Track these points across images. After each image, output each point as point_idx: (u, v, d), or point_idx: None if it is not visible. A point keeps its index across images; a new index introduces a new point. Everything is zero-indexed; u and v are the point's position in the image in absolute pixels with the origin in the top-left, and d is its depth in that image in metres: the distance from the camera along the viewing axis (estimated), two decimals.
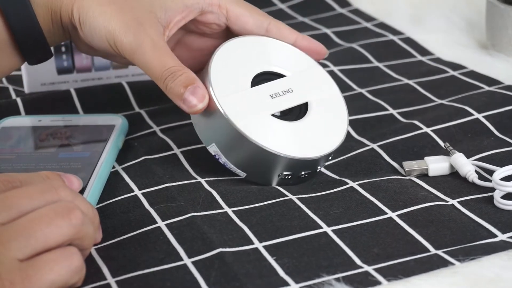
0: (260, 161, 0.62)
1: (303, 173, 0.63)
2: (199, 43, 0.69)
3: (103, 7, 0.63)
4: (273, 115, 0.63)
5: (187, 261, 0.54)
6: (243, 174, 0.63)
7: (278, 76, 0.66)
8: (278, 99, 0.64)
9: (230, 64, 0.64)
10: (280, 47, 0.68)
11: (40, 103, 0.77)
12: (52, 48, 0.78)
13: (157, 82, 0.62)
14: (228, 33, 0.69)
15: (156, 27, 0.63)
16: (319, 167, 0.64)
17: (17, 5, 0.63)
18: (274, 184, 0.63)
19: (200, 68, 0.69)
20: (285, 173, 0.62)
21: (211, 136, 0.63)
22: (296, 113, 0.64)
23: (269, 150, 0.61)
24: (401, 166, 0.65)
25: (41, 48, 0.65)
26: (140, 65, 0.62)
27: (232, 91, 0.63)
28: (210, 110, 0.62)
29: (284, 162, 0.62)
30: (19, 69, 0.82)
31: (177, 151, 0.68)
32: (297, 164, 0.62)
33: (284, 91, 0.64)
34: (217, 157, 0.63)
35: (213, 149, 0.63)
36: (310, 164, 0.63)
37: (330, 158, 0.64)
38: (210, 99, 0.61)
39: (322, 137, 0.64)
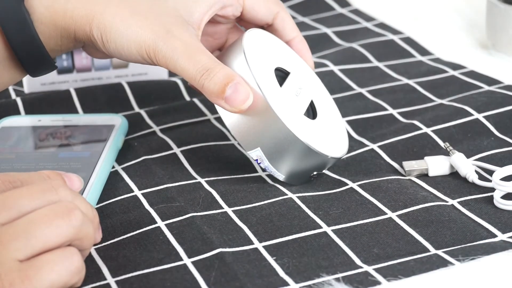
0: (306, 163, 0.61)
1: (323, 170, 0.64)
2: (211, 29, 0.69)
3: (127, 22, 0.61)
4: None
5: (187, 261, 0.54)
6: (282, 177, 0.62)
7: (284, 72, 0.65)
8: (300, 97, 0.63)
9: (256, 60, 0.62)
10: (277, 42, 0.67)
11: (40, 102, 0.77)
12: None
13: (193, 82, 0.59)
14: (237, 18, 0.70)
15: (187, 29, 0.62)
16: None
17: (17, 25, 0.61)
18: (303, 183, 0.63)
19: (213, 51, 0.70)
20: (316, 172, 0.63)
21: (256, 140, 0.60)
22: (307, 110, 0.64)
23: (320, 153, 0.61)
24: (401, 166, 0.65)
25: (44, 65, 0.63)
26: (174, 70, 0.60)
27: (272, 90, 0.60)
28: (257, 112, 0.59)
29: (326, 162, 0.62)
30: None
31: (177, 150, 0.68)
32: (329, 163, 0.63)
33: (299, 88, 0.64)
34: (258, 162, 0.61)
35: (256, 153, 0.61)
36: (336, 161, 0.63)
37: None
38: (258, 98, 0.59)
39: (338, 132, 0.65)
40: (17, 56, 0.62)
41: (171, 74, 0.84)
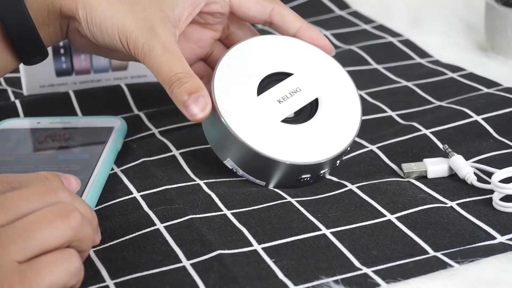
0: (278, 172, 0.62)
1: (322, 172, 0.63)
2: (197, 34, 0.70)
3: (114, 8, 0.63)
4: (283, 120, 0.63)
5: (186, 263, 0.54)
6: (263, 184, 0.63)
7: (287, 75, 0.65)
8: (286, 103, 0.63)
9: (235, 72, 0.64)
10: (290, 42, 0.66)
11: (39, 105, 0.77)
12: (50, 51, 0.78)
13: (164, 86, 0.62)
14: (229, 23, 0.70)
15: (168, 28, 0.63)
16: (337, 162, 0.64)
17: (8, 1, 0.62)
18: (296, 186, 0.63)
19: (197, 59, 0.70)
20: (304, 176, 0.62)
21: (225, 152, 0.63)
22: (307, 111, 0.64)
23: (284, 162, 0.61)
24: (400, 168, 0.65)
25: (33, 43, 0.64)
26: (149, 68, 0.63)
27: (238, 103, 0.62)
28: (219, 126, 0.62)
29: (301, 169, 0.62)
30: (18, 72, 0.82)
31: (176, 152, 0.68)
32: (315, 167, 0.62)
33: (292, 92, 0.64)
34: (234, 170, 0.63)
35: (229, 163, 0.63)
36: (328, 163, 0.62)
37: (348, 150, 0.64)
38: (218, 114, 0.61)
39: (335, 134, 0.63)
40: (6, 31, 0.62)
41: None
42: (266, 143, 0.61)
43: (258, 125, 0.62)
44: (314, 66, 0.66)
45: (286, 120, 0.63)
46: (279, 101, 0.63)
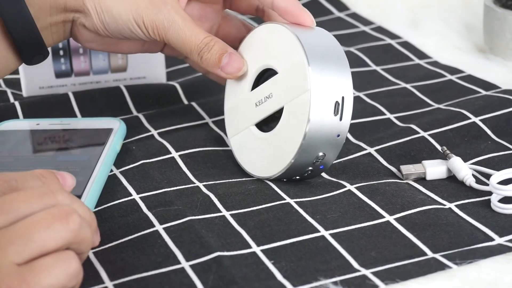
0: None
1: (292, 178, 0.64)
2: (199, 11, 0.70)
3: None
4: (257, 125, 0.64)
5: (185, 264, 0.54)
6: None
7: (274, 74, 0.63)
8: (260, 107, 0.64)
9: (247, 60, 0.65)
10: (289, 35, 0.61)
11: (38, 106, 0.77)
12: (50, 52, 0.78)
13: (191, 54, 0.64)
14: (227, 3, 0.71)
15: (176, 0, 0.65)
16: (309, 170, 0.62)
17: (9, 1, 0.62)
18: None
19: None
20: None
21: None
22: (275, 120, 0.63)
23: (243, 168, 0.65)
24: (399, 170, 0.66)
25: (35, 42, 0.64)
26: (173, 42, 0.64)
27: (234, 96, 0.65)
28: None
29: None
30: (17, 73, 0.82)
31: (175, 154, 0.68)
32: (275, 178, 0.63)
33: (266, 97, 0.63)
34: None
35: None
36: (289, 174, 0.62)
37: (319, 159, 0.61)
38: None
39: (282, 149, 0.61)
40: (7, 29, 0.62)
41: (169, 77, 0.84)
42: (238, 148, 0.66)
43: (238, 128, 0.65)
44: (290, 69, 0.61)
45: (257, 126, 0.64)
46: (256, 104, 0.64)
